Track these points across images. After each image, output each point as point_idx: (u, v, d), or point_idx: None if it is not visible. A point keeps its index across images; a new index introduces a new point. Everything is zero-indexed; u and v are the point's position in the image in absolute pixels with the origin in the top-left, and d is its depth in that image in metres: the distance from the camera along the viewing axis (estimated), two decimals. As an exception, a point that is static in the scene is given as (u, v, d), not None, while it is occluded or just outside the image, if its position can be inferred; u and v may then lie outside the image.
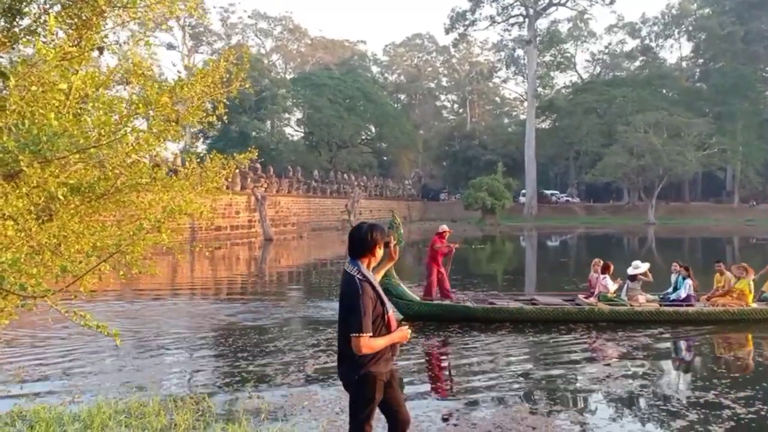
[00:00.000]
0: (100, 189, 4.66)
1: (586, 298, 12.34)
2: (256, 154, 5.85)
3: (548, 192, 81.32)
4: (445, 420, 6.38)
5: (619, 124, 65.52)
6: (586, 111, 72.36)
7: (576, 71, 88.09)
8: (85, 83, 4.23)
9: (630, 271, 12.34)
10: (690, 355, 10.00)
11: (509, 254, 33.75)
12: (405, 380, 7.89)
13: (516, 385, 7.73)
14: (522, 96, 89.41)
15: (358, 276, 3.71)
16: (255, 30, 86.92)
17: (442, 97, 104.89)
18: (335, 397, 6.83)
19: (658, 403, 7.02)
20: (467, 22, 76.49)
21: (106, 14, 4.81)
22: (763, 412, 6.64)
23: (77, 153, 3.85)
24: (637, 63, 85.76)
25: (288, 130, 77.47)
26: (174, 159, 33.88)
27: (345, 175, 62.97)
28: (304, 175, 55.12)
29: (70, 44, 4.52)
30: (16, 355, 8.88)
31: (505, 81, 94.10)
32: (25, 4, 4.50)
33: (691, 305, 11.93)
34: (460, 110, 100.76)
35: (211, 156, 5.54)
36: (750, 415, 6.54)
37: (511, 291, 15.15)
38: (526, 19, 75.03)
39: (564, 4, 75.79)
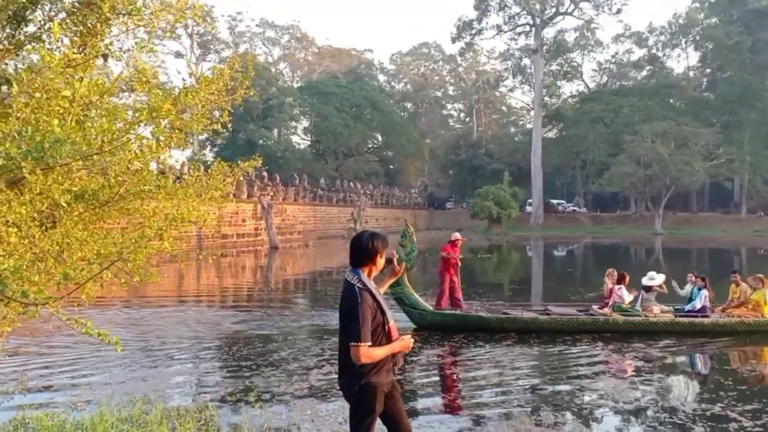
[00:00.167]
0: (104, 196, 4.65)
1: (600, 308, 12.23)
2: (261, 162, 5.82)
3: (555, 201, 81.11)
4: None
5: (626, 134, 65.33)
6: (592, 120, 72.25)
7: (583, 80, 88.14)
8: (90, 90, 4.22)
9: (645, 281, 12.24)
10: (703, 366, 9.90)
11: (515, 264, 33.63)
12: (408, 391, 7.84)
13: (522, 396, 7.66)
14: (528, 105, 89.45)
15: (358, 285, 3.67)
16: (263, 38, 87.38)
17: (449, 106, 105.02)
18: (338, 407, 6.78)
19: (663, 415, 6.94)
20: (474, 31, 76.61)
21: (110, 22, 4.81)
22: (771, 425, 6.55)
23: (80, 160, 3.84)
24: (644, 72, 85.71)
25: (295, 138, 77.72)
26: (181, 167, 34.02)
27: (351, 184, 63.02)
28: (311, 183, 55.20)
29: (75, 51, 4.53)
30: (21, 363, 8.87)
31: (511, 90, 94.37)
32: (30, 11, 4.52)
33: (707, 316, 11.79)
34: (467, 119, 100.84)
35: (215, 164, 5.52)
36: (757, 428, 6.46)
37: (516, 301, 15.08)
38: (533, 29, 75.14)
39: (571, 14, 75.89)
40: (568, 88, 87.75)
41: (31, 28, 4.66)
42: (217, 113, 5.44)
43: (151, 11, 4.98)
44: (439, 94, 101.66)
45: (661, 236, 58.09)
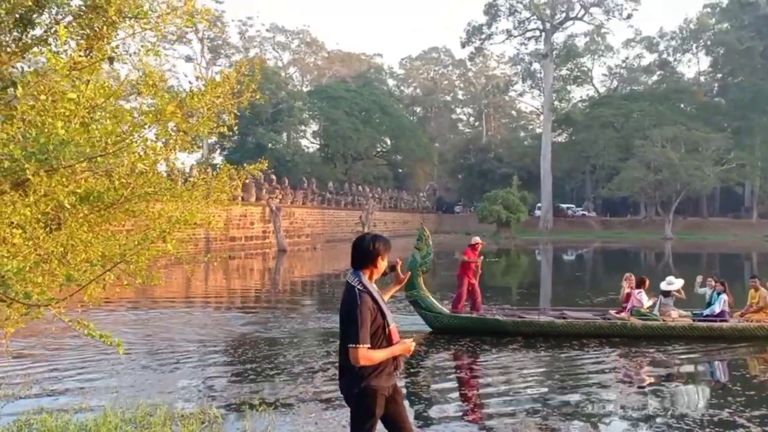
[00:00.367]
0: (109, 198, 4.67)
1: (617, 313, 12.13)
2: (266, 165, 5.81)
3: (564, 206, 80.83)
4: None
5: (636, 139, 65.06)
6: (602, 125, 72.01)
7: (593, 85, 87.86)
8: (95, 93, 4.24)
9: (663, 286, 12.17)
10: (713, 371, 9.82)
11: (524, 268, 33.52)
12: (414, 395, 7.82)
13: (530, 401, 7.62)
14: (538, 109, 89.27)
15: (358, 287, 3.67)
16: (273, 43, 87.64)
17: (458, 110, 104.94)
18: (342, 410, 6.76)
19: (671, 420, 6.89)
20: (484, 36, 76.56)
21: (117, 25, 4.84)
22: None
23: (84, 162, 3.86)
24: (655, 77, 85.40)
25: (304, 142, 77.96)
26: (190, 170, 34.17)
27: (360, 187, 63.07)
28: (319, 186, 55.28)
29: (81, 54, 4.55)
30: (27, 365, 8.91)
31: (521, 94, 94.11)
32: (36, 14, 4.55)
33: (725, 321, 11.71)
34: (476, 123, 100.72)
35: (221, 166, 5.53)
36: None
37: (524, 305, 15.02)
38: (543, 33, 75.02)
39: (581, 19, 75.74)
40: (578, 93, 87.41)
41: (37, 32, 4.69)
42: (225, 117, 5.45)
43: (158, 14, 5.00)
44: (448, 98, 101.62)
45: (671, 241, 57.81)
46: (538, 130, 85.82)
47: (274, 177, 45.92)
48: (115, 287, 4.50)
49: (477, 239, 13.41)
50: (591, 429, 6.62)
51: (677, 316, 11.79)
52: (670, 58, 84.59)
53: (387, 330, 3.68)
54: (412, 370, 9.03)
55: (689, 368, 9.79)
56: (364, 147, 73.21)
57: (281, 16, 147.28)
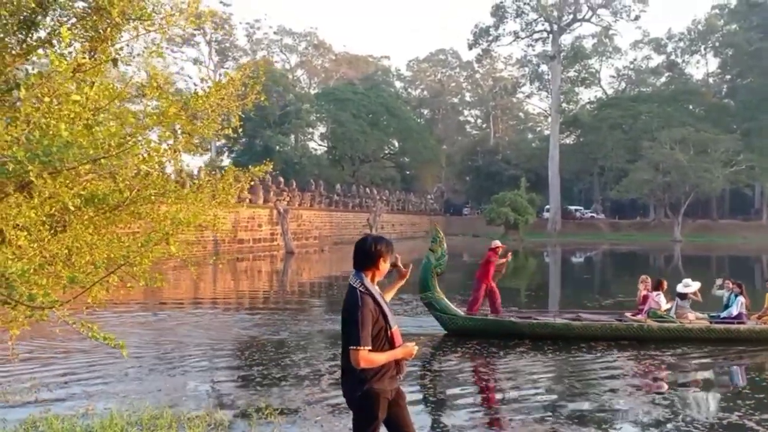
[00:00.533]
0: (114, 200, 4.67)
1: (633, 315, 12.02)
2: (271, 167, 5.79)
3: (572, 208, 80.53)
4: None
5: (644, 140, 64.73)
6: (611, 127, 71.74)
7: (601, 87, 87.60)
8: (100, 95, 4.24)
9: (680, 288, 12.09)
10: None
11: (532, 270, 33.40)
12: (420, 399, 7.79)
13: (536, 404, 7.58)
14: (546, 111, 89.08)
15: (360, 288, 3.64)
16: (280, 46, 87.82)
17: (466, 112, 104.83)
18: (348, 413, 6.73)
19: (679, 423, 6.83)
20: (491, 38, 76.44)
21: (121, 27, 4.83)
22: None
23: (87, 164, 3.85)
24: (663, 79, 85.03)
25: (311, 144, 78.06)
26: (198, 172, 34.22)
27: (367, 189, 63.06)
28: (327, 188, 55.31)
29: (84, 56, 4.55)
30: (35, 367, 8.93)
31: (528, 96, 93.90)
32: (40, 16, 4.55)
33: (743, 323, 11.60)
34: (484, 125, 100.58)
35: (226, 168, 5.52)
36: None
37: (532, 308, 14.95)
38: (550, 35, 74.86)
39: (588, 20, 75.56)
40: (586, 95, 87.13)
41: (41, 34, 4.69)
42: (231, 118, 5.43)
43: (162, 16, 5.00)
44: (455, 100, 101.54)
45: (680, 243, 57.50)
46: (546, 132, 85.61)
47: (281, 179, 46.00)
48: (119, 290, 4.48)
49: (497, 242, 13.41)
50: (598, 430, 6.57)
51: (694, 319, 11.69)
52: (679, 60, 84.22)
53: (389, 332, 3.64)
54: (419, 373, 9.00)
55: (702, 371, 9.70)
56: (372, 149, 73.24)
57: (289, 18, 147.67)
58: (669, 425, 6.82)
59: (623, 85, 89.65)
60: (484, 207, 69.71)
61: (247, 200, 38.91)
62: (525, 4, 73.40)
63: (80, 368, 8.89)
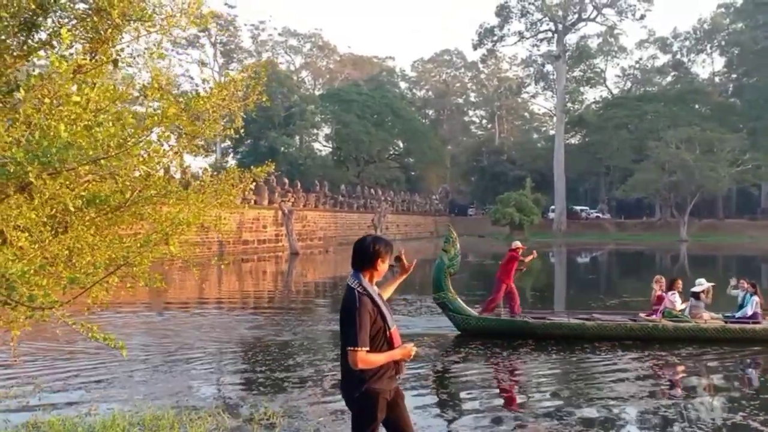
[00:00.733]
0: (115, 201, 4.67)
1: (647, 316, 11.96)
2: (273, 167, 5.79)
3: (578, 208, 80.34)
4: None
5: (650, 140, 64.53)
6: (616, 126, 71.58)
7: (606, 86, 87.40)
8: (100, 96, 4.24)
9: (695, 288, 12.06)
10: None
11: (537, 270, 33.31)
12: (418, 400, 7.78)
13: (540, 405, 7.56)
14: (551, 111, 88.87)
15: (358, 289, 3.63)
16: (285, 47, 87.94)
17: (471, 113, 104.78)
18: (350, 414, 6.73)
19: (683, 424, 6.79)
20: (496, 38, 76.40)
21: (121, 28, 4.84)
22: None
23: (86, 165, 3.86)
24: (669, 78, 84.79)
25: (316, 145, 78.13)
26: (203, 173, 34.30)
27: (372, 190, 63.07)
28: (331, 189, 55.35)
29: (85, 57, 4.55)
30: (38, 367, 8.95)
31: (533, 96, 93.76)
32: (41, 18, 4.55)
33: (758, 323, 11.53)
34: (489, 125, 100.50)
35: (227, 169, 5.52)
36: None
37: (536, 308, 14.91)
38: (555, 35, 74.74)
39: (593, 20, 75.38)
40: (592, 94, 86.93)
41: (42, 35, 4.70)
42: (239, 120, 5.42)
43: (163, 17, 5.00)
44: (460, 100, 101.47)
45: (686, 243, 57.30)
46: (551, 132, 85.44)
47: (286, 180, 46.07)
48: (121, 290, 4.49)
49: (518, 243, 13.44)
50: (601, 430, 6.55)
51: (709, 318, 11.64)
52: (684, 59, 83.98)
53: (388, 333, 3.63)
54: (422, 374, 8.99)
55: (712, 370, 9.63)
56: (377, 150, 73.27)
57: (293, 20, 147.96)
58: (674, 425, 6.79)
59: (629, 84, 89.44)
60: (489, 207, 69.64)
61: (252, 201, 38.97)
62: (530, 3, 73.39)
63: (84, 369, 8.91)
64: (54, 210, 4.34)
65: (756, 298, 11.81)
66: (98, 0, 4.49)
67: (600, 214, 79.91)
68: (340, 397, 7.49)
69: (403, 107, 79.36)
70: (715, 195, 68.17)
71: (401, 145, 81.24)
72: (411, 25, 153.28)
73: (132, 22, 4.87)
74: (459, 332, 11.84)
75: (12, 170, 3.83)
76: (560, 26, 73.79)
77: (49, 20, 4.58)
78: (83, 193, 4.49)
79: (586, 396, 7.92)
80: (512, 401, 7.89)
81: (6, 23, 4.40)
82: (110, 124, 4.08)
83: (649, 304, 12.50)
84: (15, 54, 4.54)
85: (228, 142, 69.29)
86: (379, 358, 3.58)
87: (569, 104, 77.43)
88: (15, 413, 6.61)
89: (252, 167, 5.37)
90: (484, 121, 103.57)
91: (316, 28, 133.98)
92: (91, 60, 4.73)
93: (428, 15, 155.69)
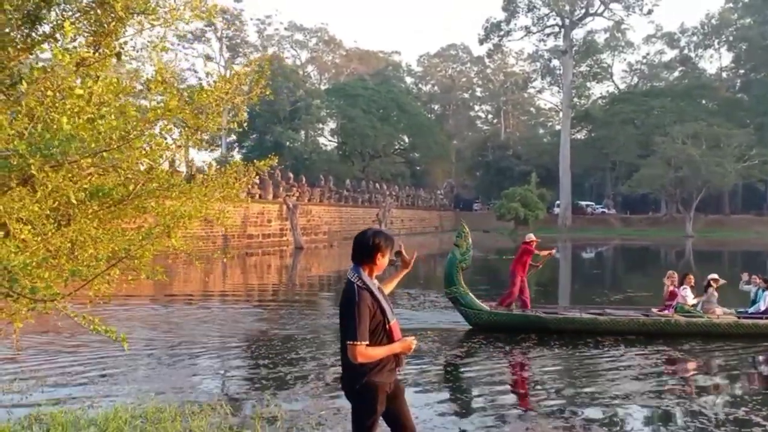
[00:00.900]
0: (118, 194, 4.68)
1: (660, 311, 11.92)
2: (276, 161, 5.78)
3: (583, 203, 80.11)
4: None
5: (656, 135, 64.27)
6: (622, 122, 71.30)
7: (613, 81, 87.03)
8: (104, 89, 4.25)
9: (710, 276, 12.07)
10: (733, 369, 9.62)
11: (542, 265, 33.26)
12: (417, 395, 7.78)
13: (543, 400, 7.56)
14: (557, 106, 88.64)
15: (357, 283, 3.63)
16: (291, 42, 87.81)
17: (477, 108, 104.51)
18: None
19: (686, 419, 6.79)
20: (502, 33, 76.09)
21: (124, 21, 4.84)
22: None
23: (89, 157, 3.86)
24: (676, 73, 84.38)
25: (322, 140, 78.09)
26: (208, 168, 34.37)
27: (377, 185, 63.03)
28: (336, 184, 55.34)
29: (88, 50, 4.56)
30: (42, 360, 9.00)
31: (540, 91, 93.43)
32: (44, 11, 4.56)
33: None
34: (495, 120, 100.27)
35: (230, 162, 5.52)
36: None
37: (539, 303, 14.89)
38: (562, 30, 74.41)
39: (600, 14, 74.97)
40: (598, 89, 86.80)
41: (46, 28, 4.70)
42: (242, 113, 5.42)
43: (167, 10, 5.00)
44: (466, 95, 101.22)
45: (692, 239, 57.12)
46: (557, 127, 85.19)
47: (291, 175, 46.09)
48: (123, 284, 4.50)
49: (532, 236, 13.41)
50: (603, 426, 6.53)
51: (721, 314, 11.62)
52: (692, 54, 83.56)
53: (387, 326, 3.64)
54: (424, 369, 9.00)
55: (717, 365, 9.62)
56: (382, 145, 73.19)
57: (299, 14, 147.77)
58: (676, 419, 6.78)
59: (635, 79, 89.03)
60: (494, 202, 69.50)
61: (257, 196, 39.01)
62: (536, -2, 73.04)
63: (88, 362, 8.95)
64: (57, 203, 4.35)
65: None
66: (101, -7, 4.49)
67: (605, 210, 79.68)
68: (341, 389, 7.52)
69: (408, 102, 79.20)
70: (722, 190, 67.91)
71: (406, 139, 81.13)
72: (417, 19, 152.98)
73: (135, 15, 4.87)
74: (470, 327, 11.80)
75: (15, 163, 3.85)
76: (567, 21, 73.47)
77: (53, 13, 4.59)
78: (86, 186, 4.50)
79: (590, 391, 7.92)
80: (515, 396, 7.89)
81: (9, 16, 4.40)
82: (113, 117, 4.08)
83: (655, 299, 12.49)
84: (18, 47, 4.55)
85: (233, 137, 69.36)
86: (379, 352, 3.59)
87: (575, 99, 77.22)
88: (18, 406, 6.65)
89: (256, 161, 5.37)
90: (490, 116, 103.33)
91: (323, 22, 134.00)
92: (94, 53, 4.74)
93: (434, 10, 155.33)
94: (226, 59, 75.45)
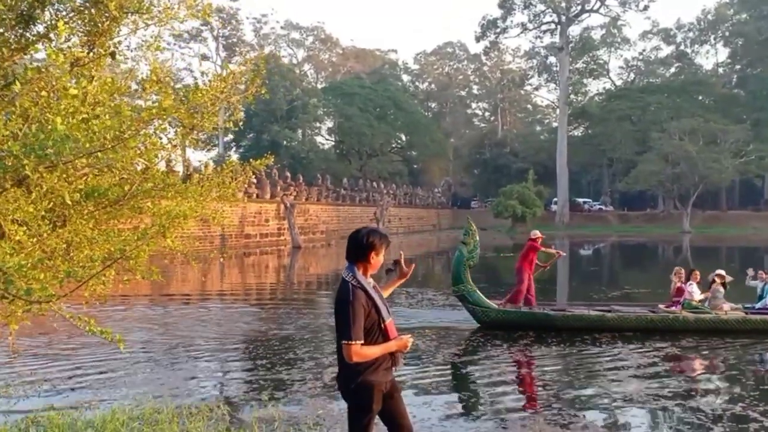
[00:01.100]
0: (113, 195, 4.66)
1: (667, 307, 11.93)
2: (272, 160, 5.75)
3: (581, 200, 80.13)
4: None
5: (653, 132, 64.34)
6: (619, 118, 71.31)
7: (609, 78, 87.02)
8: (99, 89, 4.22)
9: (711, 276, 12.09)
10: (733, 365, 9.61)
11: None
12: (415, 394, 7.77)
13: (543, 397, 7.56)
14: (554, 103, 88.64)
15: (352, 282, 3.61)
16: (287, 40, 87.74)
17: (473, 105, 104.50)
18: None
19: (684, 414, 6.78)
20: (498, 30, 76.07)
21: (119, 20, 4.81)
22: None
23: (83, 158, 3.84)
24: (672, 69, 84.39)
25: (319, 138, 78.02)
26: (205, 167, 34.30)
27: (374, 184, 62.99)
28: (334, 183, 55.29)
29: (83, 50, 4.53)
30: (40, 362, 8.96)
31: (536, 88, 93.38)
32: (38, 11, 4.53)
33: None
34: (492, 118, 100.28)
35: (226, 162, 5.50)
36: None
37: (538, 300, 14.87)
38: (558, 26, 74.40)
39: (597, 11, 75.02)
40: (595, 86, 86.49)
41: (40, 28, 4.68)
42: (238, 112, 5.39)
43: (161, 9, 4.97)
44: (463, 93, 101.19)
45: (689, 235, 57.18)
46: (554, 124, 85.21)
47: (288, 174, 46.04)
48: (119, 284, 4.48)
49: (537, 233, 13.42)
50: (601, 422, 6.53)
51: (729, 309, 11.62)
52: (688, 50, 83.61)
53: (383, 325, 3.61)
54: (424, 366, 8.99)
55: (709, 362, 9.63)
56: (379, 143, 73.17)
57: (296, 13, 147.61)
58: (673, 414, 6.78)
59: (632, 76, 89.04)
60: (492, 200, 69.51)
61: (254, 195, 38.97)
62: (532, -5, 72.98)
63: (85, 363, 8.92)
64: (52, 203, 4.32)
65: None
66: (95, -8, 4.46)
67: (603, 207, 79.68)
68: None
69: (405, 100, 79.18)
70: (719, 186, 67.95)
71: (404, 138, 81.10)
72: (414, 18, 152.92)
73: (130, 14, 4.85)
74: (476, 324, 11.77)
75: (9, 164, 3.82)
76: (563, 18, 73.46)
77: (47, 13, 4.56)
78: (81, 187, 4.48)
79: (592, 390, 7.92)
80: (515, 395, 7.88)
81: (3, 16, 4.38)
82: (107, 116, 4.06)
83: (653, 295, 12.51)
84: (12, 47, 4.52)
85: (230, 136, 69.31)
86: (374, 351, 3.57)
87: (572, 96, 77.16)
88: (16, 407, 6.62)
89: (252, 160, 5.35)
90: (487, 114, 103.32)
91: (319, 21, 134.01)
92: (88, 53, 4.72)
93: (431, 8, 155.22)
94: (223, 58, 75.32)
